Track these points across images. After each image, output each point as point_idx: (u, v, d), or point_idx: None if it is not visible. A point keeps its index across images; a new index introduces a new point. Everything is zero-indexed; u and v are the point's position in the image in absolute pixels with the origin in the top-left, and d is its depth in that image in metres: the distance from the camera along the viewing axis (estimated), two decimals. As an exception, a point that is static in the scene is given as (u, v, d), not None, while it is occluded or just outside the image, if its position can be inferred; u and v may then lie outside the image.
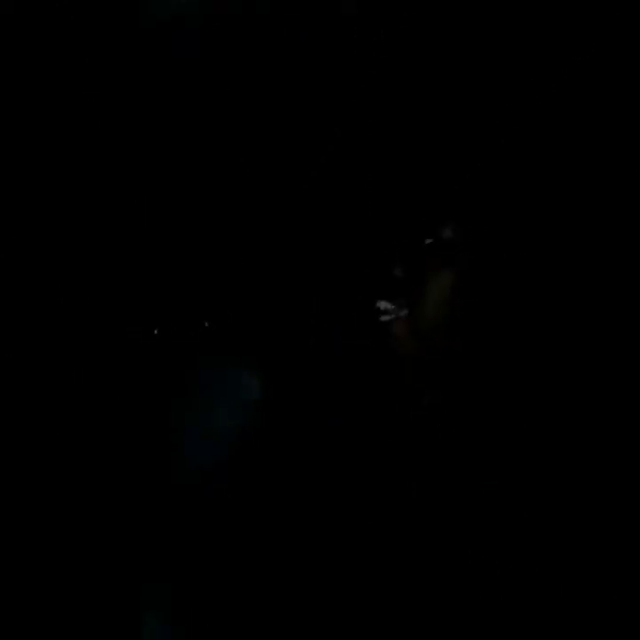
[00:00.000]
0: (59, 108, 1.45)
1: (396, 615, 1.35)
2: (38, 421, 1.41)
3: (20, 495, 1.39)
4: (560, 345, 1.37)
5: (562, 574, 1.32)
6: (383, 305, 1.42)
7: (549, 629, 1.31)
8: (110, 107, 1.46)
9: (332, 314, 1.43)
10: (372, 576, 1.37)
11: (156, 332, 1.45)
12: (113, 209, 1.46)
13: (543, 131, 1.41)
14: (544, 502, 1.35)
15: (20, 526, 1.38)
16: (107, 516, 1.40)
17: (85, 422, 1.41)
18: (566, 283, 1.39)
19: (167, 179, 1.47)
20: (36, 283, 1.43)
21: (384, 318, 1.42)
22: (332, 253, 1.45)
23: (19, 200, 1.45)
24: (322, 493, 1.40)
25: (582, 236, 1.39)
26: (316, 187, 1.44)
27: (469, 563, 1.34)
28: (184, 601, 1.38)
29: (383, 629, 1.35)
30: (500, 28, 1.42)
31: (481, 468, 1.36)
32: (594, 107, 1.40)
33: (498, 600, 1.33)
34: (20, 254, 1.44)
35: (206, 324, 1.46)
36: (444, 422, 1.38)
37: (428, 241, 1.41)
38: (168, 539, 1.40)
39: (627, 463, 1.34)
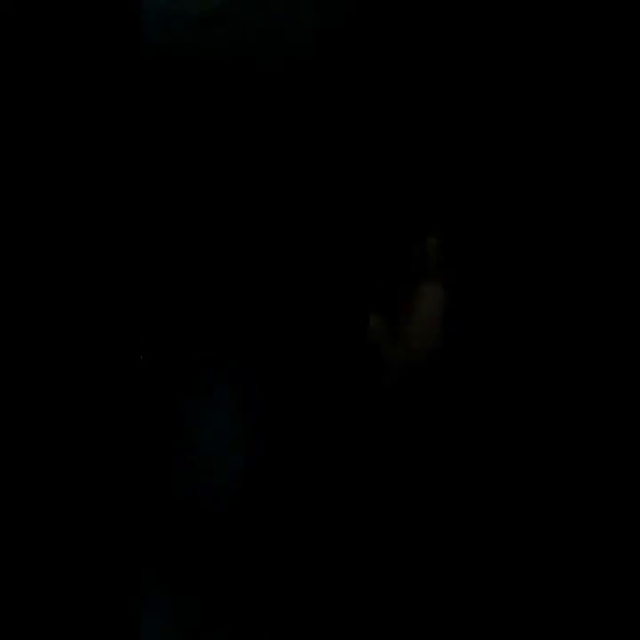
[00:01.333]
0: (59, 109, 1.46)
1: (396, 615, 1.35)
2: (35, 424, 1.41)
3: (19, 497, 1.39)
4: (552, 352, 1.37)
5: (562, 574, 1.32)
6: (372, 314, 1.41)
7: (549, 629, 1.31)
8: (111, 107, 1.46)
9: (323, 322, 1.43)
10: (372, 577, 1.37)
11: (154, 339, 1.46)
12: (115, 208, 1.46)
13: (535, 137, 1.41)
14: (544, 502, 1.35)
15: (20, 528, 1.39)
16: (107, 518, 1.40)
17: (87, 425, 1.42)
18: (557, 290, 1.38)
19: (166, 177, 1.48)
20: (33, 282, 1.44)
21: (373, 327, 1.41)
22: (322, 261, 1.45)
23: (18, 200, 1.45)
24: (322, 495, 1.40)
25: (572, 244, 1.39)
26: (309, 190, 1.44)
27: (469, 562, 1.34)
28: (184, 602, 1.38)
29: (383, 629, 1.35)
30: (501, 29, 1.42)
31: (473, 474, 1.36)
32: (591, 111, 1.40)
33: (498, 600, 1.33)
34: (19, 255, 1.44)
35: (204, 331, 1.46)
36: (436, 429, 1.37)
37: (416, 249, 1.41)
38: (168, 540, 1.40)
39: (627, 465, 1.34)
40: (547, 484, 1.35)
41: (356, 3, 1.44)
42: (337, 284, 1.43)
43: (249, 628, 1.38)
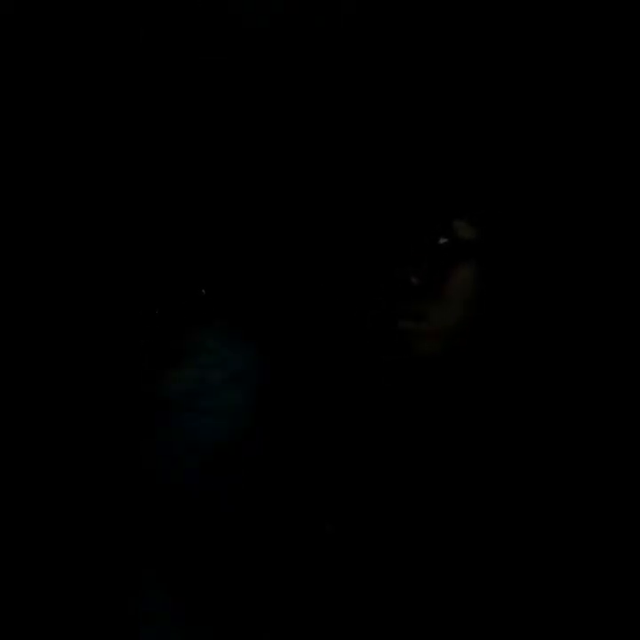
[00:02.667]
0: (60, 110, 1.46)
1: (396, 615, 1.35)
2: (33, 422, 1.41)
3: (17, 495, 1.39)
4: (587, 343, 1.35)
5: (562, 574, 1.32)
6: (401, 304, 1.39)
7: (549, 629, 1.31)
8: (110, 107, 1.47)
9: (349, 311, 1.42)
10: (372, 572, 1.37)
11: (154, 308, 1.45)
12: (112, 189, 1.46)
13: (556, 122, 1.39)
14: (549, 503, 1.34)
15: (19, 527, 1.39)
16: (107, 517, 1.40)
17: (86, 422, 1.42)
18: (592, 279, 1.35)
19: (165, 165, 1.48)
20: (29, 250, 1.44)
21: (402, 320, 1.40)
22: (347, 251, 1.43)
23: (18, 198, 1.45)
24: (323, 483, 1.40)
25: (610, 233, 1.36)
26: (330, 179, 1.43)
27: (469, 561, 1.34)
28: (183, 600, 1.38)
29: (383, 629, 1.35)
30: (501, 28, 1.42)
31: (497, 467, 1.35)
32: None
33: (497, 600, 1.33)
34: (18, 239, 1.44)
35: (206, 300, 1.46)
36: (461, 420, 1.36)
37: (447, 238, 1.39)
38: (166, 534, 1.40)
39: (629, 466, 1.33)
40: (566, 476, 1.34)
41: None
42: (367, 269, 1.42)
43: (249, 628, 1.38)
